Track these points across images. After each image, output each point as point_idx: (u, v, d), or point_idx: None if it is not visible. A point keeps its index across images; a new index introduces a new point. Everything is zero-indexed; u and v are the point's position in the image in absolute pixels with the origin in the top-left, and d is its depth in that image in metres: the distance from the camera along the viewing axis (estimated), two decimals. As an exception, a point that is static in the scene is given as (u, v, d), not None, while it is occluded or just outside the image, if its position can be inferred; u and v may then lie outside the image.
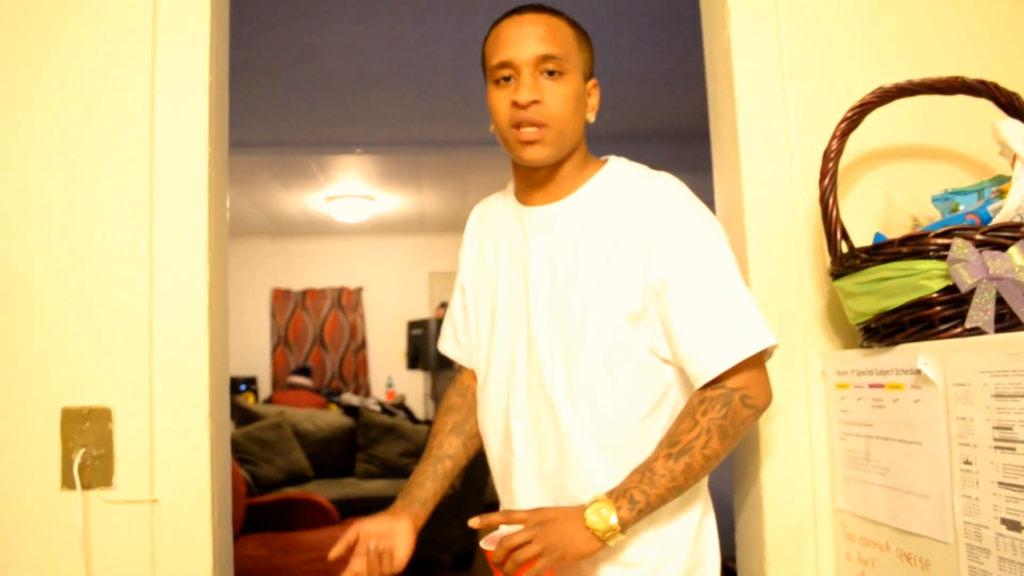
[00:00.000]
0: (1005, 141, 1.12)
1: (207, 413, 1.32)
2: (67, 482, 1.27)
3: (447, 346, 1.45)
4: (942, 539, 1.07)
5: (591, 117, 1.25)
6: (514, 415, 1.23)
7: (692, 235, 1.15)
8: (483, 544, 1.12)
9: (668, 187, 1.19)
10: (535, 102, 1.16)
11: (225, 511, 1.41)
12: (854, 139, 1.37)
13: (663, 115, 4.20)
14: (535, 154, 1.18)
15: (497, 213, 1.35)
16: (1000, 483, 0.97)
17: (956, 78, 1.25)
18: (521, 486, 1.22)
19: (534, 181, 1.25)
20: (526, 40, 1.17)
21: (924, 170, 1.42)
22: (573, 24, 1.24)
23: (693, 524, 1.20)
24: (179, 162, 1.36)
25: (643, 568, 1.16)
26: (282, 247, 7.60)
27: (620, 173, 1.25)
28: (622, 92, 3.77)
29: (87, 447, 1.28)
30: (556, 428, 1.18)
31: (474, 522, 1.13)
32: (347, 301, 7.65)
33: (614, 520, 1.07)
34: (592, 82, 1.26)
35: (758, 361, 1.15)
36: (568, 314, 1.18)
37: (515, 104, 1.16)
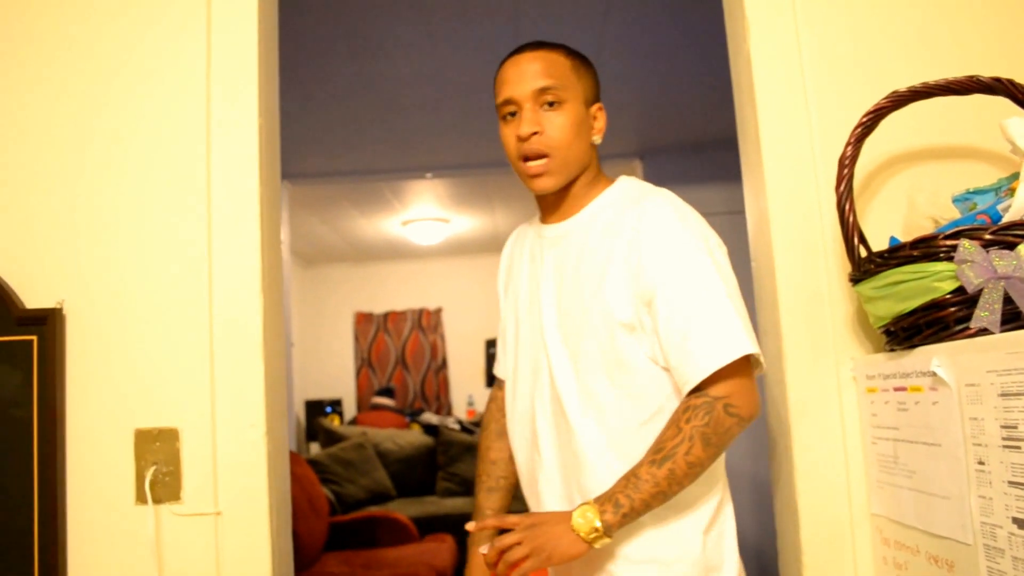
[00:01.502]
0: (1013, 140, 1.12)
1: (264, 431, 1.43)
2: (140, 497, 1.40)
3: (498, 369, 1.56)
4: (963, 540, 1.08)
5: (597, 139, 1.33)
6: (539, 420, 1.31)
7: (675, 247, 1.20)
8: (480, 549, 1.21)
9: (657, 202, 1.24)
10: (535, 133, 1.25)
11: (284, 522, 1.51)
12: (875, 144, 1.38)
13: (708, 126, 4.19)
14: (542, 184, 1.29)
15: (525, 235, 1.44)
16: (1010, 482, 0.97)
17: (971, 78, 1.25)
18: (547, 487, 1.29)
19: (547, 202, 1.36)
20: (524, 77, 1.27)
21: (947, 171, 1.42)
22: (571, 54, 1.31)
23: (703, 522, 1.22)
24: (233, 198, 1.48)
25: (653, 565, 1.20)
26: (363, 271, 7.85)
27: (623, 191, 1.32)
28: (661, 107, 3.80)
29: (158, 465, 1.40)
30: (569, 432, 1.25)
31: (470, 526, 1.23)
32: (427, 322, 7.82)
33: (598, 523, 1.13)
34: (597, 106, 1.33)
35: (743, 371, 1.17)
36: (571, 324, 1.27)
37: (519, 138, 1.26)
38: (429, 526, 4.60)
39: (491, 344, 6.97)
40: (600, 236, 1.27)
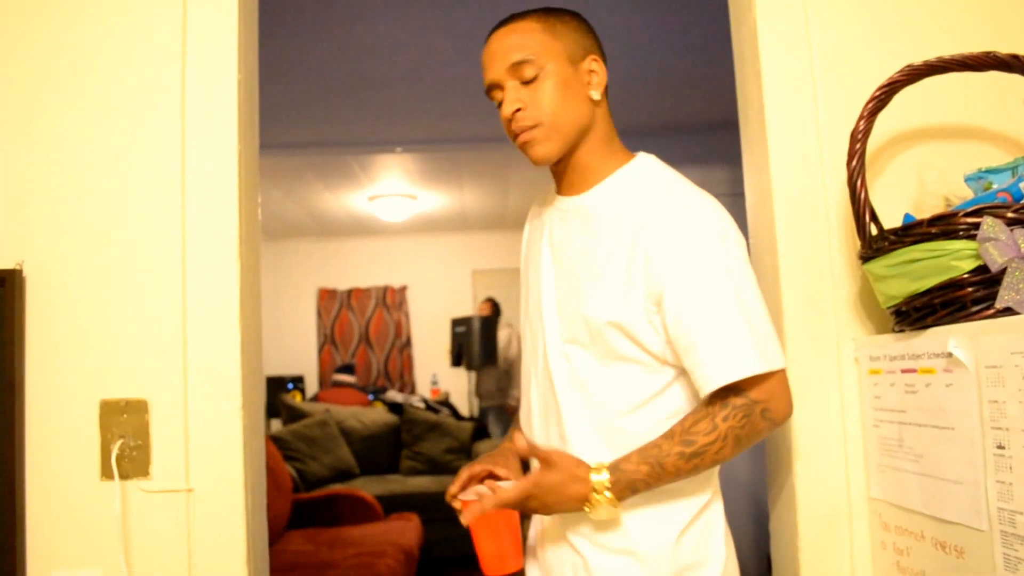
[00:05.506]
0: (1038, 116, 1.08)
1: (240, 405, 1.35)
2: (106, 472, 1.31)
3: None
4: (976, 526, 1.04)
5: (595, 95, 1.22)
6: (533, 394, 1.28)
7: (688, 248, 1.13)
8: (462, 497, 1.21)
9: (672, 195, 1.18)
10: (518, 110, 1.19)
11: (259, 500, 1.43)
12: (884, 120, 1.34)
13: (696, 107, 4.16)
14: (536, 153, 1.22)
15: (544, 201, 1.38)
16: (1034, 467, 0.94)
17: (987, 53, 1.21)
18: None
19: (556, 172, 1.30)
20: (496, 58, 1.21)
21: (957, 150, 1.38)
22: (545, 16, 1.22)
23: (685, 519, 1.18)
24: (210, 161, 1.39)
25: (629, 557, 1.16)
26: (327, 247, 7.71)
27: (640, 174, 1.24)
28: (653, 87, 3.75)
29: (125, 438, 1.31)
30: (558, 411, 1.22)
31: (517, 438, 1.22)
32: (392, 300, 7.72)
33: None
34: (590, 58, 1.22)
35: (780, 373, 1.14)
36: (567, 305, 1.22)
37: (505, 118, 1.21)
38: (393, 505, 4.54)
39: (457, 323, 6.90)
40: (608, 225, 1.20)
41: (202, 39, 1.41)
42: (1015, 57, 1.21)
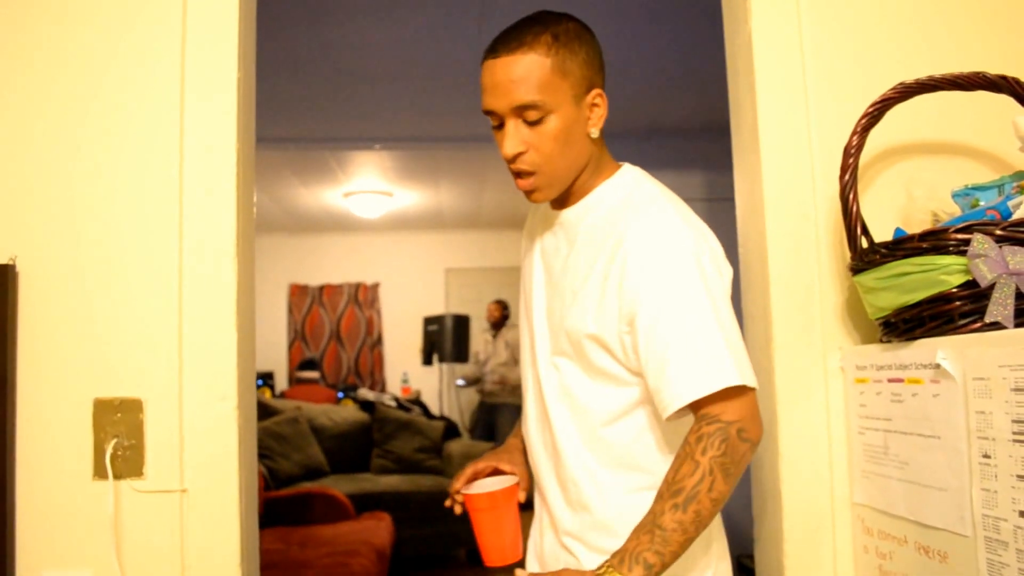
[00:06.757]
0: (1025, 137, 1.13)
1: (235, 404, 1.34)
2: (99, 472, 1.30)
3: None
4: (961, 532, 1.08)
5: (594, 132, 1.20)
6: (530, 400, 1.31)
7: (660, 268, 1.12)
8: (465, 491, 1.26)
9: (647, 214, 1.16)
10: (520, 154, 1.17)
11: (252, 501, 1.43)
12: (873, 135, 1.37)
13: (683, 112, 4.20)
14: (534, 197, 1.22)
15: (539, 213, 1.38)
16: (1019, 476, 0.98)
17: (977, 73, 1.26)
18: (537, 460, 1.29)
19: None
20: (501, 89, 1.15)
21: (944, 166, 1.43)
22: (555, 44, 1.15)
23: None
24: (208, 158, 1.38)
25: None
26: (300, 243, 7.65)
27: (623, 188, 1.24)
28: (639, 89, 3.78)
29: (119, 438, 1.30)
30: (548, 418, 1.24)
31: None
32: (364, 297, 7.69)
33: None
34: (594, 93, 1.19)
35: (749, 393, 1.11)
36: (554, 316, 1.25)
37: (505, 156, 1.18)
38: (365, 503, 4.53)
39: (429, 321, 6.89)
40: (589, 239, 1.21)
41: (202, 35, 1.40)
42: (1003, 78, 1.25)
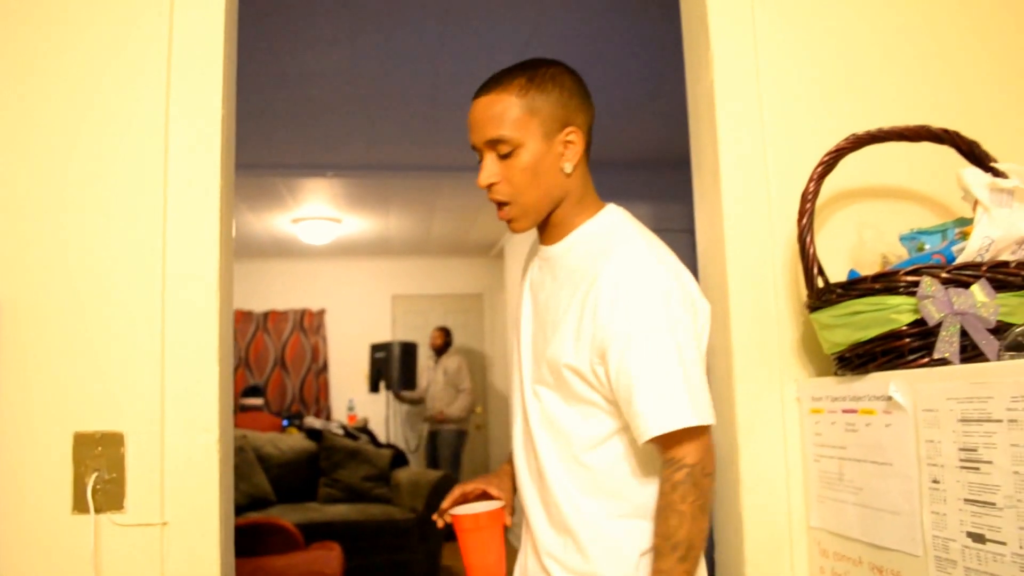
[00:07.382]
0: (968, 188, 1.24)
1: (217, 437, 1.36)
2: (79, 506, 1.30)
3: None
4: (912, 552, 1.17)
5: (567, 167, 1.28)
6: (517, 427, 1.37)
7: (631, 307, 1.19)
8: (453, 511, 1.32)
9: (622, 255, 1.23)
10: (492, 184, 1.27)
11: (229, 533, 1.44)
12: (827, 180, 1.48)
13: (633, 144, 4.34)
14: (512, 228, 1.32)
15: (532, 247, 1.47)
16: (966, 500, 1.07)
17: (922, 127, 1.37)
18: (523, 483, 1.35)
19: (538, 226, 1.38)
20: (477, 127, 1.27)
21: (892, 210, 1.54)
22: (527, 86, 1.25)
23: (645, 542, 1.24)
24: (191, 189, 1.41)
25: None
26: (244, 268, 7.54)
27: (603, 229, 1.31)
28: (607, 120, 3.90)
29: (99, 471, 1.31)
30: (533, 443, 1.31)
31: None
32: (309, 323, 7.62)
33: None
34: (567, 131, 1.27)
35: (706, 432, 1.20)
36: (538, 346, 1.32)
37: (481, 186, 1.29)
38: (314, 534, 4.48)
39: (376, 348, 6.87)
40: (570, 275, 1.28)
41: (187, 65, 1.44)
42: (945, 131, 1.37)
